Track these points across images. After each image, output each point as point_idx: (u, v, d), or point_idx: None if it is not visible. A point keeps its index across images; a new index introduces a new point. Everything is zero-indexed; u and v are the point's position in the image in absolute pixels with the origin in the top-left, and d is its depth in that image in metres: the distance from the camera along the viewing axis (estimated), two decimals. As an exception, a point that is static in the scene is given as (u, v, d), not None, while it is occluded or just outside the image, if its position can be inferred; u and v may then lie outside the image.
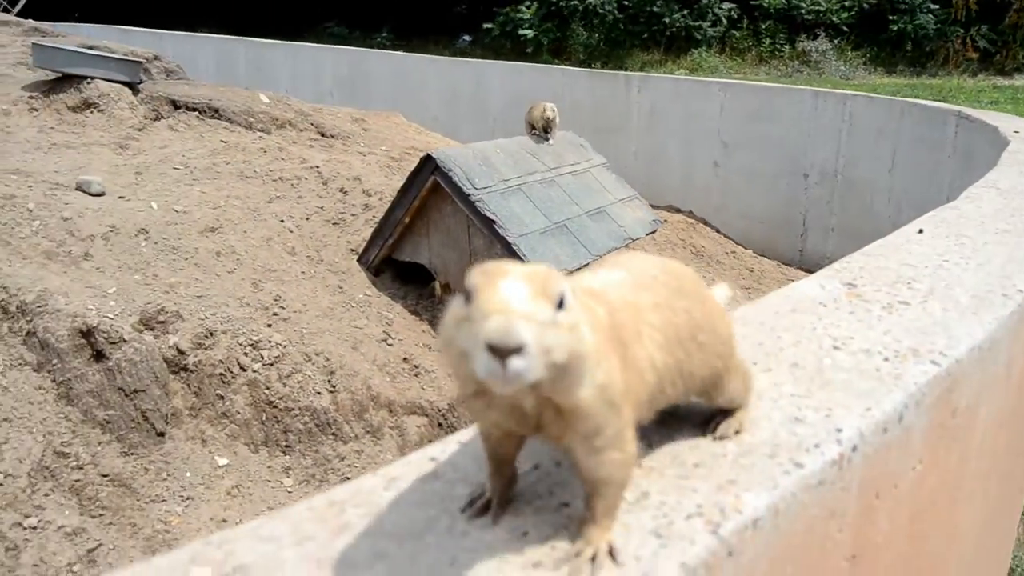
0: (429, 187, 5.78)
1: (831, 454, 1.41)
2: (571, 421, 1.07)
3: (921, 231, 2.77)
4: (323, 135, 8.05)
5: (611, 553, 1.15)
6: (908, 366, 1.72)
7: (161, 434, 5.13)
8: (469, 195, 5.52)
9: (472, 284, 0.94)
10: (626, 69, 13.55)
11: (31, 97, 7.60)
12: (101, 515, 4.87)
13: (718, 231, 10.21)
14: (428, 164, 5.72)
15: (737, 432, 1.46)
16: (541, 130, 6.76)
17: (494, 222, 5.48)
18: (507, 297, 0.89)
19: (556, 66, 13.39)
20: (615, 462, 1.15)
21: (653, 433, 1.48)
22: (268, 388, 5.28)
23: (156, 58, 9.58)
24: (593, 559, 1.14)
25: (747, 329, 1.95)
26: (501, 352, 0.85)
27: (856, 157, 9.85)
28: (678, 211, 10.69)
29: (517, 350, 0.86)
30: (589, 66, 13.99)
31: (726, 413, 1.49)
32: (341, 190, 6.64)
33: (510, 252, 5.47)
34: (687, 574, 1.14)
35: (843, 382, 1.65)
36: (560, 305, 0.93)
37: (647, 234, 6.79)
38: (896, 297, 2.13)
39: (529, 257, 5.39)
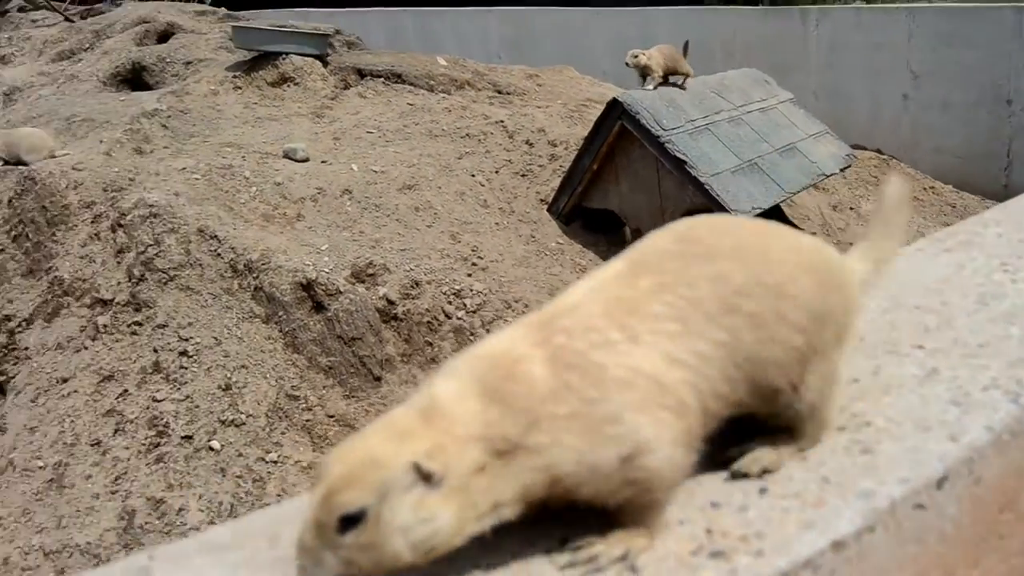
0: (616, 132, 5.83)
1: None
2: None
3: None
4: (500, 92, 8.24)
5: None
6: None
7: (378, 379, 5.50)
8: (658, 136, 5.52)
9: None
10: (798, 3, 12.93)
11: (234, 76, 8.20)
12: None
13: (912, 167, 9.66)
14: (615, 108, 5.77)
15: (768, 472, 1.10)
16: (640, 77, 6.32)
17: (685, 162, 5.46)
18: (300, 532, 0.89)
19: (726, 7, 12.98)
20: (636, 496, 0.97)
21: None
22: (472, 334, 5.53)
23: (338, 32, 10.07)
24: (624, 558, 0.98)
25: (1001, 228, 1.92)
26: None
27: (1068, 78, 9.02)
28: (864, 149, 10.18)
29: None
30: (757, 3, 13.46)
31: (771, 435, 1.14)
32: (527, 142, 6.81)
33: (702, 192, 5.44)
34: (993, 436, 1.18)
35: None
36: (352, 522, 0.87)
37: (841, 169, 6.55)
38: None
39: (723, 196, 5.34)
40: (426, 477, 0.86)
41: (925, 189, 8.62)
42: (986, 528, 1.24)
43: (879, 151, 10.24)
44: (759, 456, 1.13)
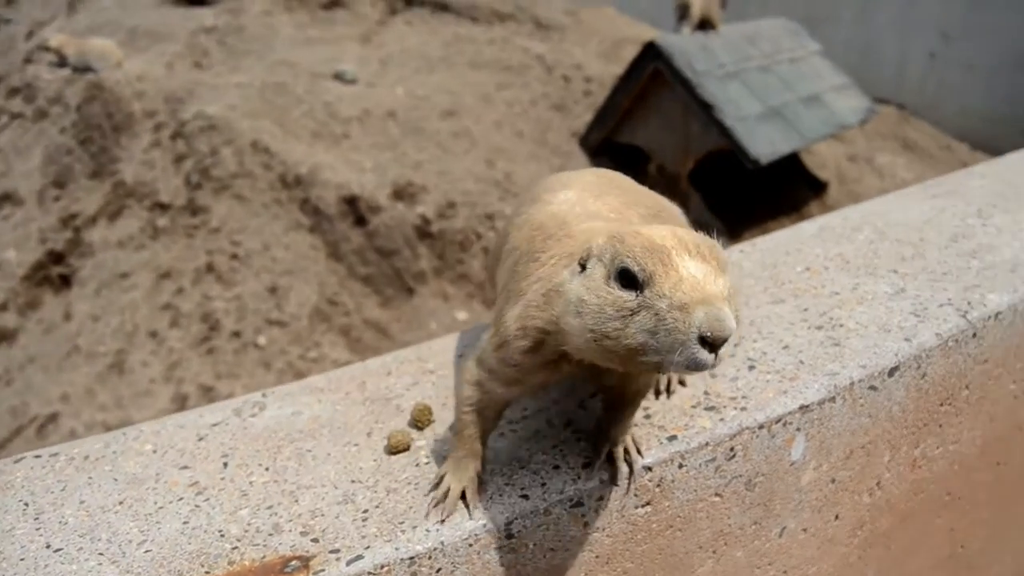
0: (649, 73, 6.13)
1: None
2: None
3: None
4: (540, 26, 8.49)
5: (636, 446, 1.29)
6: None
7: (411, 290, 5.95)
8: (689, 80, 5.83)
9: (643, 268, 0.83)
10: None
11: (285, -4, 8.48)
12: (363, 354, 5.79)
13: (932, 125, 9.88)
14: (650, 50, 6.06)
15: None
16: (677, 16, 6.47)
17: (712, 106, 5.78)
18: (705, 282, 0.80)
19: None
20: (648, 381, 1.24)
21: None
22: (502, 256, 5.95)
23: (383, -45, 10.26)
24: (627, 454, 1.28)
25: (984, 180, 2.31)
26: (717, 344, 0.78)
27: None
28: (887, 103, 10.38)
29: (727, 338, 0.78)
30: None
31: None
32: (563, 77, 7.12)
33: (726, 135, 5.77)
34: (940, 342, 1.59)
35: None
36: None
37: (860, 122, 6.84)
38: None
39: (745, 140, 5.68)
40: None
41: (941, 148, 8.86)
42: (928, 416, 1.64)
43: (901, 106, 10.44)
44: None
